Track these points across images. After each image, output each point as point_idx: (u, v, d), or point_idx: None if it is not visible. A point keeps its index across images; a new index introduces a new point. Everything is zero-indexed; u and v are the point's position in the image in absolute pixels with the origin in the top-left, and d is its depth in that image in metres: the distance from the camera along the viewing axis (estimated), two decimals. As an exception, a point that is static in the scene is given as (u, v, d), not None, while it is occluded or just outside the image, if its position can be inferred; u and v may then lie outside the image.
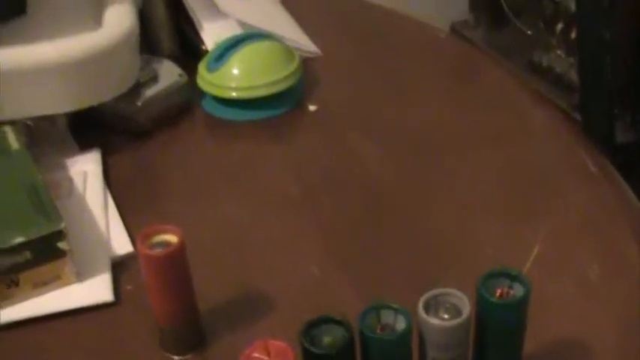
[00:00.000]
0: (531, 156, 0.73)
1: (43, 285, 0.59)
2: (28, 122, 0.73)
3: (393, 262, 0.62)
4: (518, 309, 0.46)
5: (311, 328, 0.45)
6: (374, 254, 0.63)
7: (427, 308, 0.46)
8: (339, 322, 0.45)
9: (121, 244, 0.64)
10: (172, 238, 0.51)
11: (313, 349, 0.44)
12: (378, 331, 0.45)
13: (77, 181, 0.70)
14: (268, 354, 0.43)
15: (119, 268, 0.62)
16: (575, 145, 0.74)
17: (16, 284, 0.58)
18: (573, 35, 1.18)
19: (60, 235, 0.58)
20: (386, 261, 0.62)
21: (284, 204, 0.69)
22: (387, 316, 0.45)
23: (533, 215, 0.66)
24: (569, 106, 1.15)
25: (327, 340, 0.45)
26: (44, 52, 0.69)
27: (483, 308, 0.46)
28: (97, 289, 0.60)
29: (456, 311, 0.46)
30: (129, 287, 0.61)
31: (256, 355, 0.43)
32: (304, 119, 0.81)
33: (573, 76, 1.20)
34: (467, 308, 0.45)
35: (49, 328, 0.58)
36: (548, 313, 0.55)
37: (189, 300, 0.55)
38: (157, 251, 0.51)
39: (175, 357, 0.56)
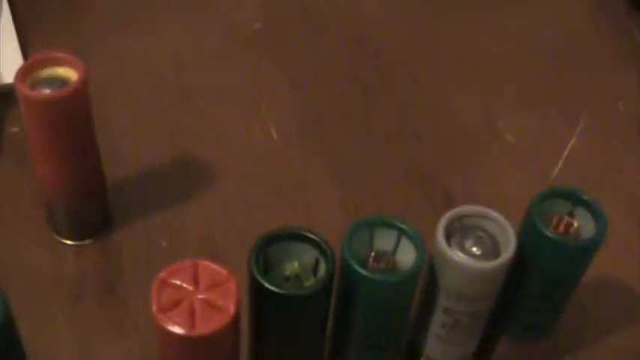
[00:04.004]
0: (566, 21, 0.56)
1: None
2: None
3: (387, 151, 0.45)
4: (587, 252, 0.30)
5: (265, 248, 0.28)
6: (361, 132, 0.46)
7: (449, 235, 0.29)
8: (311, 241, 0.29)
9: (12, 70, 0.46)
10: (70, 75, 0.34)
11: (268, 285, 0.27)
12: (371, 261, 0.29)
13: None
14: (196, 282, 0.27)
15: (6, 103, 0.45)
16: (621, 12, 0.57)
17: None
18: None
19: None
20: (377, 149, 0.45)
21: (241, 40, 0.51)
22: (384, 239, 0.29)
23: (568, 100, 0.49)
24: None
25: (290, 268, 0.28)
26: None
27: (534, 245, 0.30)
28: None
29: (491, 244, 0.29)
30: (14, 130, 0.44)
31: (177, 281, 0.27)
32: None
33: None
34: (512, 241, 0.29)
35: None
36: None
37: (91, 167, 0.38)
38: (43, 92, 0.33)
39: (67, 241, 0.39)
